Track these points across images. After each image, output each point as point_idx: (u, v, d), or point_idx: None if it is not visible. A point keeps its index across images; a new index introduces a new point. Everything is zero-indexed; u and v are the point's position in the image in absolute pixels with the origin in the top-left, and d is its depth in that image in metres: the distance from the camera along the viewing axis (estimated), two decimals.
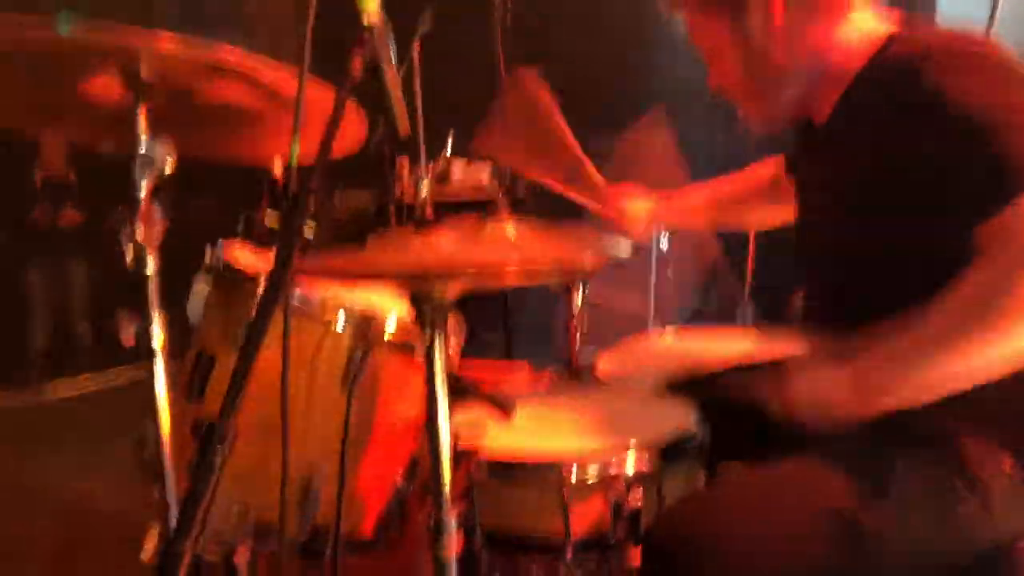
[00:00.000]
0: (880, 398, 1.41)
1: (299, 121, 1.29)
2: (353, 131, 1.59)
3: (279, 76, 1.48)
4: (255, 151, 1.85)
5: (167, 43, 1.40)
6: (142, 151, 1.48)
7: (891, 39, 1.54)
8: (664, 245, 4.73)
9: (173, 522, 1.48)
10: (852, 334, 1.48)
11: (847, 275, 1.63)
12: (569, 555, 1.59)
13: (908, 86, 1.44)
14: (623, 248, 2.00)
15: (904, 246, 1.48)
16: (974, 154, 1.37)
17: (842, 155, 1.60)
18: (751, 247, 4.27)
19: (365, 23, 1.28)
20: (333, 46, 1.38)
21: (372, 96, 1.34)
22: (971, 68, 1.43)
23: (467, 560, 1.56)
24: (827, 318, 1.67)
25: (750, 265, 4.30)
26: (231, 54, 1.43)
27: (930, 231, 1.44)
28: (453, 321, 1.79)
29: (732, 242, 4.40)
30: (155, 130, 1.49)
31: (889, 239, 1.50)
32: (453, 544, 1.42)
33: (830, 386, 1.46)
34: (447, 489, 1.43)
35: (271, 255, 1.24)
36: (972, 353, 1.34)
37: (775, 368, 1.77)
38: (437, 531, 1.43)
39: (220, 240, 1.93)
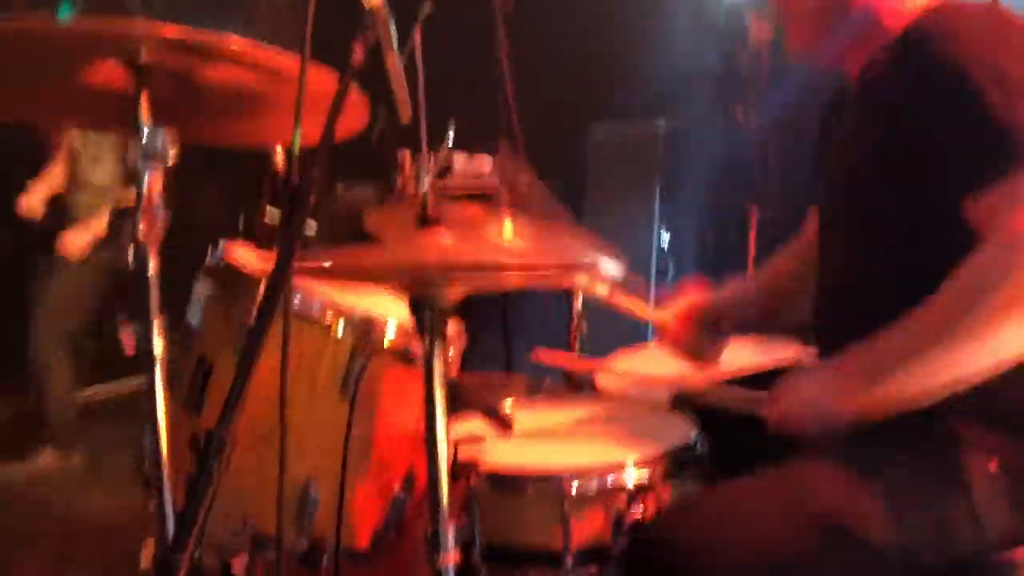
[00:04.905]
0: (870, 394, 1.42)
1: (300, 108, 1.28)
2: (356, 113, 1.57)
3: (278, 58, 1.46)
4: (259, 134, 1.83)
5: (167, 30, 1.39)
6: (144, 141, 1.47)
7: (936, 8, 1.53)
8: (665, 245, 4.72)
9: (171, 532, 1.47)
10: (865, 318, 1.49)
11: (859, 254, 1.62)
12: (569, 568, 1.58)
13: (926, 52, 1.45)
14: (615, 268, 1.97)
15: (910, 220, 1.49)
16: (974, 125, 1.38)
17: (862, 118, 1.61)
18: (751, 256, 4.25)
19: (367, 6, 1.27)
20: (334, 33, 1.37)
21: (374, 83, 1.33)
22: (994, 41, 1.43)
23: (466, 572, 1.55)
24: (841, 302, 1.67)
25: (750, 269, 4.29)
26: (228, 39, 1.42)
27: (933, 205, 1.45)
28: (453, 329, 1.78)
29: (732, 244, 4.39)
30: (157, 120, 1.47)
31: (897, 212, 1.51)
32: (451, 556, 1.41)
33: (818, 387, 1.48)
34: (445, 500, 1.42)
35: (272, 255, 1.23)
36: (957, 350, 1.36)
37: (768, 381, 1.77)
38: (435, 543, 1.42)
39: (221, 241, 1.91)
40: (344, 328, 1.75)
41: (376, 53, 1.29)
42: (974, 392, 1.47)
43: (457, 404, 1.50)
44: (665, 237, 4.85)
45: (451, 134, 3.79)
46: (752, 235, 4.24)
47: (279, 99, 1.58)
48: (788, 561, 1.44)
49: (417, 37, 3.23)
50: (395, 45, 1.31)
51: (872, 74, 1.60)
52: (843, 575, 1.46)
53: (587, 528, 1.59)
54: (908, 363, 1.40)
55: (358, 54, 1.27)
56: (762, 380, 1.93)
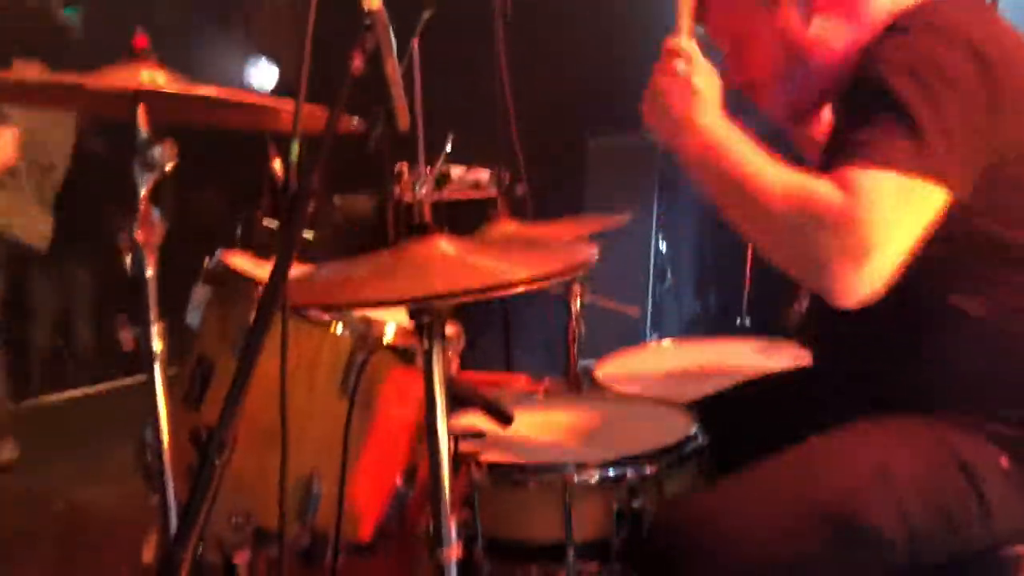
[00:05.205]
0: (691, 158, 1.52)
1: (298, 119, 1.29)
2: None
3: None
4: (257, 124, 1.84)
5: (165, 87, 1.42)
6: (142, 152, 1.48)
7: (895, 22, 1.51)
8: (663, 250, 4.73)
9: (173, 528, 1.47)
10: (860, 331, 1.50)
11: None
12: (571, 561, 1.58)
13: (878, 56, 1.45)
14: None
15: None
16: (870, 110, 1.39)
17: (834, 132, 1.62)
18: (749, 262, 4.26)
19: (366, 9, 1.28)
20: (333, 33, 1.37)
21: (372, 91, 1.34)
22: (924, 46, 1.41)
23: (468, 566, 1.55)
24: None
25: (748, 274, 4.30)
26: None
27: None
28: (452, 329, 1.78)
29: (730, 250, 4.40)
30: (155, 130, 1.48)
31: None
32: (453, 550, 1.42)
33: (680, 116, 1.56)
34: (447, 494, 1.42)
35: (269, 263, 1.24)
36: (759, 224, 1.42)
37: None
38: (437, 537, 1.42)
39: (218, 249, 1.92)
40: (343, 327, 1.76)
41: (374, 59, 1.30)
42: (981, 385, 1.48)
43: (456, 400, 1.50)
44: (663, 244, 4.86)
45: (449, 144, 3.81)
46: (749, 248, 4.25)
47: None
48: (794, 553, 1.44)
49: (415, 48, 3.24)
50: (394, 52, 1.31)
51: (840, 105, 1.63)
52: (848, 568, 1.46)
53: (589, 521, 1.59)
54: (737, 182, 1.43)
55: (357, 61, 1.27)
56: (769, 384, 1.94)
